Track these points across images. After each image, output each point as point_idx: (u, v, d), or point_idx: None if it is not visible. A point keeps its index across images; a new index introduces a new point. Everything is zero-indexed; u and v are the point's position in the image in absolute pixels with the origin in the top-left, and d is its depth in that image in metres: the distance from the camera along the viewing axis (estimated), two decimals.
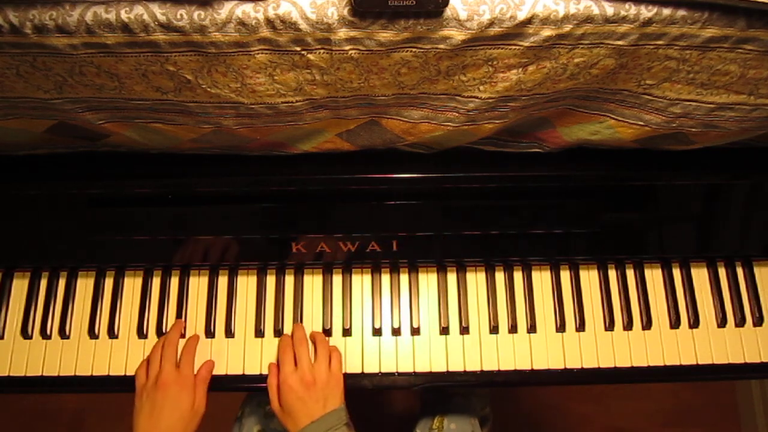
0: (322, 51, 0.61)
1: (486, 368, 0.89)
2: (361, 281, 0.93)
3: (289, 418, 0.81)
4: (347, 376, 0.88)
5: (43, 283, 0.93)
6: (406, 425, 1.03)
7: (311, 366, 0.84)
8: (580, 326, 0.91)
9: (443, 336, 0.91)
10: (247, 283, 0.93)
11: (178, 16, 0.57)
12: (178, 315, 0.91)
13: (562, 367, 0.89)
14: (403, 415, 1.63)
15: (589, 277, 0.94)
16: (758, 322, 0.92)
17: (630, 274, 0.94)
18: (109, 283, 0.93)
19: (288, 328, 0.91)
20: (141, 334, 0.91)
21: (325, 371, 0.84)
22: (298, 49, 0.61)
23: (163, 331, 0.91)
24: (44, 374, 0.89)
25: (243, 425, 0.97)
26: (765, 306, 0.93)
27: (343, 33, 0.59)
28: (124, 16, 0.57)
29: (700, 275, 0.94)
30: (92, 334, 0.90)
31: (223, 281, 0.93)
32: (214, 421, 1.58)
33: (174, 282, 0.93)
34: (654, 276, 0.94)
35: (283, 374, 0.84)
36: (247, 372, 0.89)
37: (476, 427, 0.97)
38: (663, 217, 0.93)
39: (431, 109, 0.74)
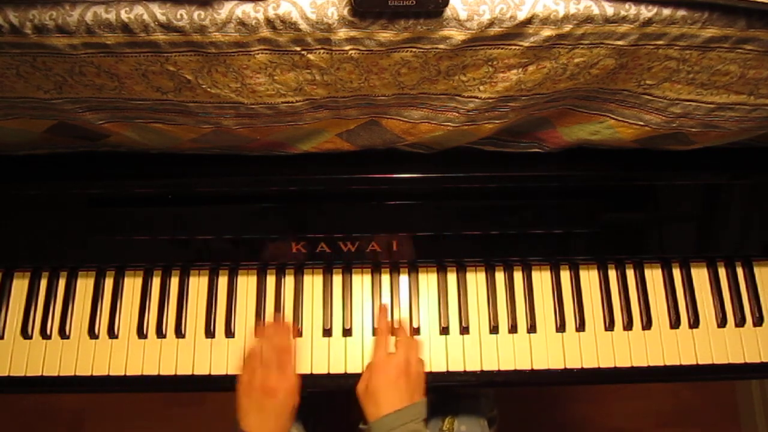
0: (322, 51, 0.61)
1: (486, 368, 0.89)
2: (361, 281, 0.93)
3: (372, 403, 0.81)
4: (347, 376, 0.88)
5: (43, 283, 0.93)
6: None
7: (407, 355, 0.84)
8: (580, 326, 0.91)
9: (443, 336, 0.91)
10: (247, 283, 0.93)
11: (178, 16, 0.57)
12: (179, 315, 0.91)
13: (562, 367, 0.89)
14: None
15: (589, 277, 0.94)
16: (758, 322, 0.92)
17: (630, 274, 0.94)
18: (109, 283, 0.93)
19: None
20: (141, 334, 0.91)
21: (418, 363, 0.85)
22: (298, 49, 0.61)
23: (164, 331, 0.91)
24: (44, 374, 0.89)
25: None
26: (765, 306, 0.93)
27: (343, 33, 0.59)
28: (124, 16, 0.57)
29: (700, 275, 0.94)
30: (92, 334, 0.90)
31: (223, 281, 0.93)
32: (215, 422, 1.58)
33: (174, 282, 0.93)
34: (654, 276, 0.94)
35: (377, 357, 0.85)
36: None
37: (485, 428, 0.97)
38: (663, 217, 0.93)
39: (431, 109, 0.74)
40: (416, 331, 0.91)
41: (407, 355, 0.85)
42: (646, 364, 0.90)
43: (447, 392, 1.03)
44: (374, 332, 0.91)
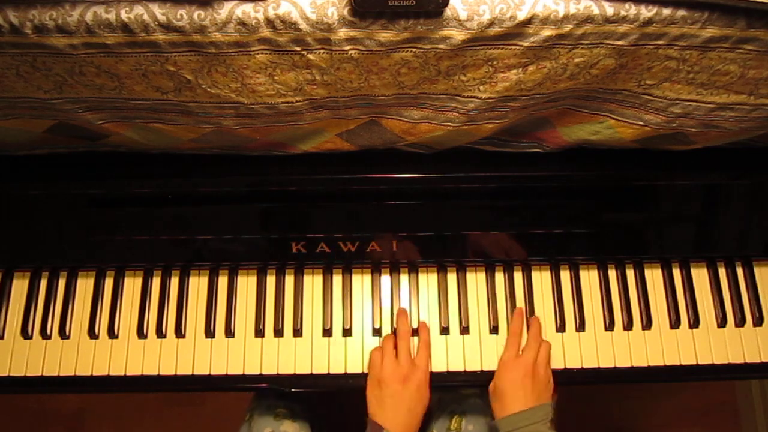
0: (322, 51, 0.61)
1: (486, 368, 0.89)
2: (361, 281, 0.93)
3: (499, 401, 0.82)
4: (348, 376, 0.88)
5: (43, 283, 0.93)
6: None
7: (535, 358, 0.85)
8: (580, 326, 0.91)
9: (443, 336, 0.91)
10: (247, 283, 0.93)
11: (178, 16, 0.57)
12: (179, 315, 0.91)
13: (562, 367, 0.89)
14: None
15: (589, 277, 0.94)
16: (758, 322, 0.92)
17: (630, 274, 0.94)
18: (109, 283, 0.93)
19: (288, 327, 0.91)
20: (141, 334, 0.91)
21: (546, 366, 0.85)
22: (298, 49, 0.61)
23: (164, 331, 0.91)
24: (44, 374, 0.89)
25: (252, 428, 0.96)
26: (765, 306, 0.93)
27: (343, 33, 0.59)
28: (124, 16, 0.57)
29: (700, 275, 0.94)
30: (92, 334, 0.90)
31: (223, 281, 0.93)
32: (215, 422, 1.58)
33: (174, 282, 0.93)
34: (654, 276, 0.94)
35: (506, 356, 0.86)
36: (248, 372, 0.89)
37: (492, 428, 0.97)
38: (663, 217, 0.93)
39: (431, 109, 0.74)
40: (416, 331, 0.91)
41: (535, 356, 0.85)
42: (646, 364, 0.89)
43: (454, 392, 1.03)
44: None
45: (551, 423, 0.81)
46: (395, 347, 0.88)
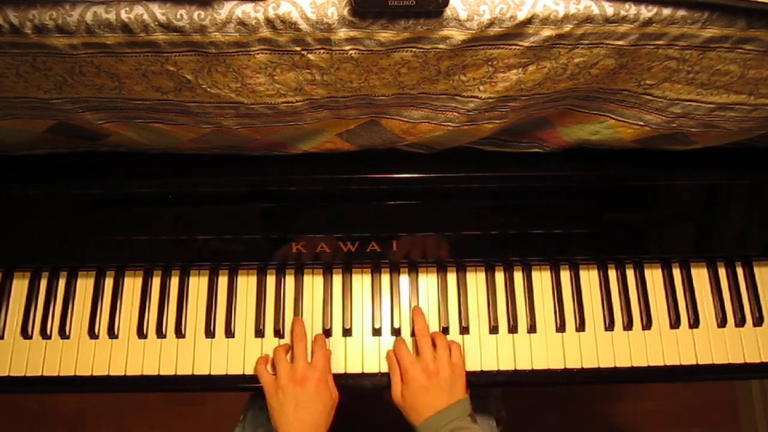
0: (322, 51, 0.61)
1: (486, 368, 0.89)
2: (361, 281, 0.93)
3: (412, 409, 0.81)
4: (347, 376, 0.88)
5: (43, 283, 0.93)
6: None
7: (433, 356, 0.84)
8: (580, 326, 0.91)
9: None
10: (247, 283, 0.93)
11: (178, 16, 0.57)
12: (179, 315, 0.91)
13: (562, 367, 0.89)
14: None
15: (589, 277, 0.94)
16: (758, 322, 0.92)
17: (630, 274, 0.94)
18: (109, 283, 0.93)
19: (288, 328, 0.91)
20: (141, 334, 0.91)
21: (446, 361, 0.84)
22: (298, 49, 0.61)
23: (164, 331, 0.91)
24: (44, 374, 0.89)
25: (245, 428, 0.97)
26: (765, 306, 0.93)
27: (343, 33, 0.59)
28: (124, 16, 0.57)
29: (700, 275, 0.94)
30: (92, 334, 0.91)
31: (223, 281, 0.93)
32: (215, 422, 1.58)
33: (174, 282, 0.93)
34: (654, 276, 0.94)
35: (404, 365, 0.84)
36: (247, 372, 0.89)
37: (494, 428, 0.97)
38: (663, 217, 0.93)
39: (431, 109, 0.74)
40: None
41: (431, 354, 0.85)
42: (646, 364, 0.90)
43: None
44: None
45: (470, 417, 0.80)
46: (288, 352, 0.87)
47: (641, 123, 0.77)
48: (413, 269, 0.94)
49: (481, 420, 0.96)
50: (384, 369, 0.89)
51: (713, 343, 0.91)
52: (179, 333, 0.91)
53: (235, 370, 0.89)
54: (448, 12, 0.58)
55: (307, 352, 0.86)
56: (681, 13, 0.60)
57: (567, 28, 0.60)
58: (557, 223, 0.91)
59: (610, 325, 0.91)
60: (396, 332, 0.91)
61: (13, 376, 0.89)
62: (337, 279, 0.93)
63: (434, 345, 0.87)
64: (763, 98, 0.71)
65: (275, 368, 0.85)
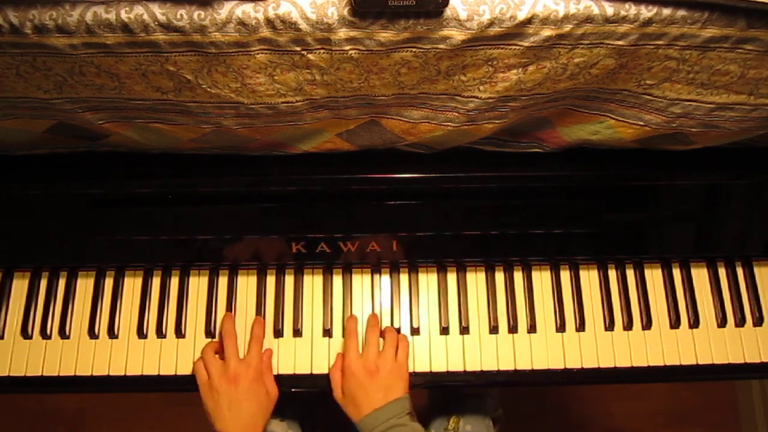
0: (322, 51, 0.61)
1: (486, 368, 0.89)
2: (361, 281, 0.93)
3: (352, 406, 0.81)
4: None
5: (43, 283, 0.93)
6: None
7: (377, 354, 0.84)
8: (580, 326, 0.91)
9: (443, 336, 0.91)
10: (247, 283, 0.93)
11: (178, 16, 0.57)
12: (179, 315, 0.91)
13: (562, 367, 0.89)
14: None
15: (589, 277, 0.94)
16: (758, 322, 0.92)
17: (630, 274, 0.94)
18: (109, 283, 0.93)
19: (288, 327, 0.91)
20: (141, 334, 0.91)
21: (390, 360, 0.84)
22: (298, 49, 0.61)
23: (164, 331, 0.91)
24: (44, 374, 0.89)
25: None
26: (765, 306, 0.93)
27: (343, 33, 0.59)
28: (124, 16, 0.57)
29: (700, 275, 0.94)
30: (92, 334, 0.90)
31: (223, 281, 0.93)
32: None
33: (174, 282, 0.93)
34: (654, 276, 0.94)
35: (347, 360, 0.84)
36: None
37: (490, 428, 0.97)
38: (663, 217, 0.93)
39: (431, 109, 0.74)
40: (416, 331, 0.91)
41: (376, 351, 0.84)
42: (646, 364, 0.90)
43: (452, 392, 1.03)
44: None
45: (409, 415, 0.80)
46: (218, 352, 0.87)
47: (641, 123, 0.77)
48: (413, 269, 0.94)
49: (477, 420, 0.96)
50: None
51: (713, 343, 0.91)
52: (179, 333, 0.91)
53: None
54: (448, 12, 0.58)
55: (237, 349, 0.86)
56: (681, 13, 0.60)
57: (567, 28, 0.60)
58: (557, 223, 0.91)
59: (610, 325, 0.91)
60: (396, 332, 0.91)
61: (13, 376, 0.89)
62: (337, 279, 0.93)
63: (384, 340, 0.86)
64: (763, 98, 0.71)
65: (207, 369, 0.84)
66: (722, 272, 0.94)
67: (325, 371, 0.89)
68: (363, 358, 0.84)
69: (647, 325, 0.91)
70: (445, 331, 0.91)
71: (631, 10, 0.59)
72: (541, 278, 0.93)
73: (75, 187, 0.89)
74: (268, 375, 0.86)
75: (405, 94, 0.70)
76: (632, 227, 0.94)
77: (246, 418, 0.79)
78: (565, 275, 0.94)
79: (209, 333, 0.90)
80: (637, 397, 1.67)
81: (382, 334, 0.89)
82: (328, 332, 0.91)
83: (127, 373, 0.89)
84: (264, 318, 0.91)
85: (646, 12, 0.59)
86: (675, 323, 0.92)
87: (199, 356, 0.88)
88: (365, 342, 0.87)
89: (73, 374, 0.89)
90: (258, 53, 0.61)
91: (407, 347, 0.88)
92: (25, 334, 0.91)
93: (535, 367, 0.89)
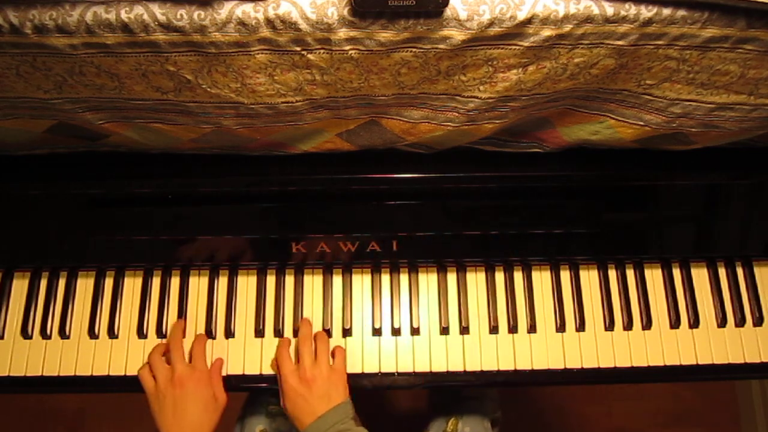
0: (322, 51, 0.61)
1: (486, 368, 0.89)
2: (361, 281, 0.93)
3: (295, 418, 0.81)
4: (348, 376, 0.88)
5: (43, 283, 0.93)
6: (414, 424, 1.03)
7: (312, 363, 0.84)
8: (580, 326, 0.91)
9: (443, 336, 0.91)
10: (247, 283, 0.93)
11: (178, 16, 0.57)
12: (179, 315, 0.91)
13: (562, 367, 0.89)
14: (410, 414, 1.63)
15: (589, 277, 0.94)
16: (758, 322, 0.92)
17: (630, 274, 0.94)
18: (109, 283, 0.93)
19: (288, 327, 0.91)
20: (141, 334, 0.91)
21: (326, 368, 0.84)
22: (298, 49, 0.61)
23: (164, 331, 0.91)
24: (44, 374, 0.89)
25: (245, 425, 0.97)
26: (765, 306, 0.93)
27: (343, 33, 0.59)
28: (124, 16, 0.57)
29: (700, 275, 0.94)
30: (92, 334, 0.91)
31: (223, 281, 0.93)
32: None
33: (174, 282, 0.93)
34: (654, 276, 0.94)
35: (283, 374, 0.84)
36: (247, 372, 0.89)
37: (488, 429, 0.97)
38: (663, 217, 0.93)
39: (431, 109, 0.74)
40: (416, 331, 0.91)
41: (311, 362, 0.84)
42: (646, 364, 0.90)
43: (451, 393, 1.03)
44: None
45: (353, 420, 0.80)
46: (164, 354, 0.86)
47: (641, 123, 0.77)
48: (413, 269, 0.94)
49: (475, 421, 0.96)
50: (384, 369, 0.89)
51: (713, 343, 0.91)
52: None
53: (235, 370, 0.89)
54: (448, 12, 0.58)
55: (184, 353, 0.86)
56: (681, 13, 0.60)
57: (567, 28, 0.60)
58: (557, 223, 0.91)
59: (610, 325, 0.91)
60: (396, 332, 0.91)
61: (13, 376, 0.89)
62: (337, 279, 0.93)
63: (316, 350, 0.86)
64: (763, 98, 0.71)
65: (153, 373, 0.84)
66: (722, 272, 0.94)
67: None
68: (300, 369, 0.83)
69: (647, 325, 0.91)
70: (445, 331, 0.91)
71: (631, 10, 0.59)
72: (541, 278, 0.93)
73: (75, 187, 0.89)
74: (217, 380, 0.85)
75: (405, 94, 0.70)
76: (632, 227, 0.94)
77: (191, 422, 0.79)
78: (565, 275, 0.94)
79: (209, 333, 0.90)
80: (637, 397, 1.67)
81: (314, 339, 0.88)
82: (327, 332, 0.91)
83: (127, 373, 0.89)
84: (263, 318, 0.91)
85: (646, 12, 0.60)
86: (675, 323, 0.92)
87: (142, 363, 0.88)
88: (299, 354, 0.86)
89: (73, 374, 0.89)
90: (258, 53, 0.61)
91: (343, 352, 0.88)
92: (25, 334, 0.91)
93: (535, 367, 0.89)
